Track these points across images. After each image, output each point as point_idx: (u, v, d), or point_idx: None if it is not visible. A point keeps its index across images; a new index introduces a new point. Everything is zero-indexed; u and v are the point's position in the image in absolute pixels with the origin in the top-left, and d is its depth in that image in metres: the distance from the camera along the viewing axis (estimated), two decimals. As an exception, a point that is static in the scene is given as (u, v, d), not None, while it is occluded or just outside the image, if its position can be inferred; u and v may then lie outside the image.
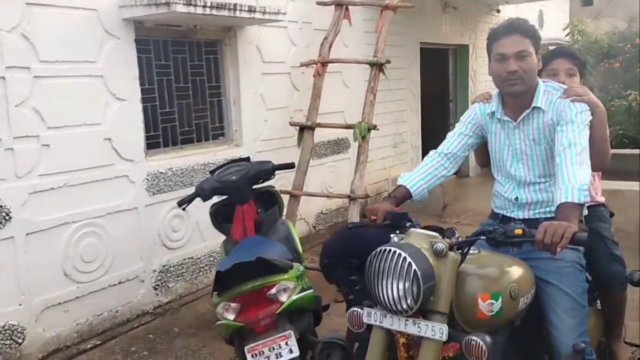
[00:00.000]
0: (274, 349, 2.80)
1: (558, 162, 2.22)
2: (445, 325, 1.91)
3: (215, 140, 5.39)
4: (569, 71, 2.83)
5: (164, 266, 4.72)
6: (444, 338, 1.89)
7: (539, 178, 2.41)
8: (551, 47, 3.79)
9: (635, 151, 9.50)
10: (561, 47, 3.13)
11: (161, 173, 4.68)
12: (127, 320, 4.42)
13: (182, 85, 5.04)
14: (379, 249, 1.96)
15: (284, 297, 2.88)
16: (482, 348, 1.85)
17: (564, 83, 2.75)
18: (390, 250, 1.92)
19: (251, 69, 5.50)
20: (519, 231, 1.98)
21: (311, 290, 3.06)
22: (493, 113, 2.49)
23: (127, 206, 4.42)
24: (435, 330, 1.90)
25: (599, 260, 2.72)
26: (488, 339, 1.87)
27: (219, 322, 2.93)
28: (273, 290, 2.86)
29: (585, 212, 2.44)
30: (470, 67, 10.17)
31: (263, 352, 2.80)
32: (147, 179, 4.56)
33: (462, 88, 10.21)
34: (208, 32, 5.15)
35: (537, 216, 2.43)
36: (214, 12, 4.45)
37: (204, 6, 4.34)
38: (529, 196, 2.44)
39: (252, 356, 2.80)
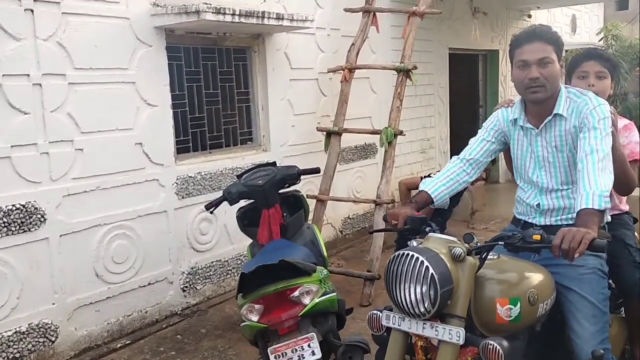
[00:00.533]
0: (296, 350, 2.85)
1: (580, 169, 2.22)
2: (463, 329, 1.92)
3: (244, 145, 5.48)
4: (598, 74, 2.78)
5: (192, 268, 4.82)
6: (461, 342, 1.91)
7: (561, 185, 2.41)
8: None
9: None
10: (592, 48, 3.09)
11: (190, 177, 4.78)
12: (156, 320, 4.52)
13: (212, 91, 5.14)
14: (397, 253, 1.99)
15: (307, 300, 2.92)
16: (499, 352, 1.85)
17: (593, 86, 2.76)
18: (408, 255, 1.95)
19: (279, 75, 5.58)
20: (537, 237, 1.98)
21: (334, 294, 3.10)
22: (515, 120, 2.49)
23: (157, 209, 4.53)
24: (453, 333, 1.92)
25: (623, 268, 2.70)
26: (505, 343, 1.88)
27: (244, 324, 2.99)
28: (296, 293, 2.91)
29: (608, 218, 2.43)
30: (501, 72, 10.09)
31: (286, 354, 2.85)
32: (177, 183, 4.66)
33: (492, 93, 10.13)
34: (237, 39, 5.24)
35: (559, 223, 2.42)
36: (243, 20, 4.54)
37: (233, 14, 4.43)
38: (550, 203, 2.44)
39: (275, 357, 2.85)
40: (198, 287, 4.88)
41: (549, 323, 2.26)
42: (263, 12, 4.73)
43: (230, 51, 5.29)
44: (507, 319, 2.02)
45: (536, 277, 2.16)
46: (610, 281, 2.58)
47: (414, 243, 2.09)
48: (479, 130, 2.66)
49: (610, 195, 2.72)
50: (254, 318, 2.91)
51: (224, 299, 4.99)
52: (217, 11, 4.29)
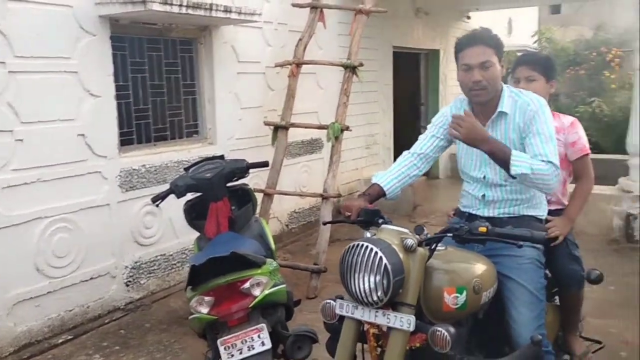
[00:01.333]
0: (246, 341, 2.87)
1: None
2: (413, 317, 2.01)
3: (189, 138, 5.43)
4: (528, 78, 2.95)
5: (136, 262, 4.74)
6: (412, 328, 1.99)
7: (504, 180, 2.52)
8: (519, 54, 3.94)
9: (600, 156, 9.81)
10: (524, 54, 3.25)
11: (134, 170, 4.70)
12: (99, 315, 4.43)
13: (157, 82, 5.07)
14: (352, 244, 2.05)
15: (257, 292, 2.95)
16: (446, 338, 1.95)
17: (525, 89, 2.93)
18: (363, 245, 2.02)
19: (226, 68, 5.55)
20: (483, 229, 2.09)
21: (283, 286, 3.14)
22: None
23: (100, 202, 4.43)
24: (404, 321, 2.00)
25: (559, 260, 2.85)
26: (452, 329, 1.98)
27: (193, 316, 2.98)
28: (247, 285, 2.93)
29: (543, 213, 2.60)
30: (441, 71, 10.37)
31: (236, 345, 2.86)
32: (120, 176, 4.58)
33: (433, 92, 10.40)
34: (184, 30, 5.18)
35: (501, 215, 2.55)
36: (190, 11, 4.50)
37: (180, 5, 4.38)
38: (495, 195, 2.56)
39: (225, 349, 2.86)
40: (142, 282, 4.81)
41: (490, 310, 2.38)
42: (211, 4, 4.70)
43: (177, 42, 5.22)
44: (453, 307, 2.12)
45: (480, 267, 2.28)
46: (547, 271, 2.73)
47: (368, 234, 2.16)
48: (429, 126, 2.75)
49: (553, 192, 2.90)
50: (204, 310, 2.91)
51: (169, 294, 4.95)
52: (164, 1, 4.23)
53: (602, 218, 6.30)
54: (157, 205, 3.73)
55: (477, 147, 2.40)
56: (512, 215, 2.54)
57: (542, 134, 2.39)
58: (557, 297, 3.03)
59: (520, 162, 2.30)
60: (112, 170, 4.50)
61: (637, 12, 6.51)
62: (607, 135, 10.61)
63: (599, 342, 3.30)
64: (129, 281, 4.69)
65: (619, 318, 4.25)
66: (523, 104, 2.47)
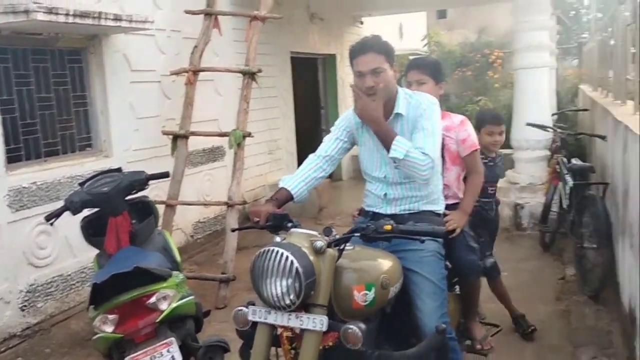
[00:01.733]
0: (155, 357, 2.81)
1: None
2: (326, 317, 2.05)
3: (83, 151, 5.20)
4: (419, 81, 3.11)
5: (31, 285, 4.48)
6: (324, 328, 2.04)
7: (404, 179, 2.64)
8: (411, 57, 4.15)
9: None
10: (414, 59, 3.42)
11: (24, 188, 4.44)
12: (-7, 345, 4.15)
13: (45, 95, 4.82)
14: (262, 250, 2.07)
15: (164, 305, 2.89)
16: (357, 335, 2.01)
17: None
18: (273, 250, 2.03)
19: (119, 78, 5.38)
20: (388, 227, 2.18)
21: (191, 297, 3.10)
22: (363, 122, 2.69)
23: (-13, 224, 4.16)
24: (316, 322, 2.04)
25: (458, 251, 3.00)
26: (363, 326, 2.04)
27: (97, 336, 2.88)
28: (153, 299, 2.86)
29: (441, 207, 2.75)
30: (339, 75, 10.60)
31: (144, 362, 2.79)
32: (9, 195, 4.31)
33: (332, 96, 10.62)
34: (71, 40, 4.97)
35: (403, 212, 2.67)
36: (78, 20, 4.33)
37: (67, 14, 4.20)
38: (396, 193, 2.67)
39: (133, 367, 2.78)
40: (39, 305, 4.54)
41: (396, 304, 2.48)
42: (100, 13, 4.54)
43: (64, 53, 5.00)
44: (363, 303, 2.19)
45: (387, 264, 2.37)
46: (447, 262, 2.88)
47: (278, 239, 2.17)
48: (332, 129, 2.83)
49: (449, 187, 3.07)
50: (109, 329, 2.82)
51: (69, 316, 4.71)
52: (49, 11, 4.04)
53: (493, 209, 6.71)
54: (52, 224, 3.56)
55: (368, 125, 2.58)
56: (412, 212, 2.67)
57: (425, 129, 2.54)
58: (457, 287, 3.20)
59: (398, 147, 2.46)
60: (-1, 189, 4.23)
61: (514, 17, 7.00)
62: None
63: (497, 326, 3.53)
64: (25, 305, 4.42)
65: (514, 301, 4.55)
66: (416, 104, 2.61)
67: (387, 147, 2.49)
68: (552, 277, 5.13)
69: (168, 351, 2.84)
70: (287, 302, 2.01)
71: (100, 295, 2.82)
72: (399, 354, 2.18)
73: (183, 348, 2.98)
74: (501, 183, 7.09)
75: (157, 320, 2.86)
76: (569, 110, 9.27)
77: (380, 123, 2.52)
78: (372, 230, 2.20)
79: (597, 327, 4.04)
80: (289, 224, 2.31)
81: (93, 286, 2.77)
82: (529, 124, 6.03)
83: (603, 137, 5.47)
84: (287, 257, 2.00)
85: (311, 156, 2.80)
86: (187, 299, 3.04)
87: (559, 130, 5.95)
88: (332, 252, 2.15)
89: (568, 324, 4.15)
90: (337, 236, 2.22)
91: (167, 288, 2.93)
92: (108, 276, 2.73)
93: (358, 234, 2.24)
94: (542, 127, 5.98)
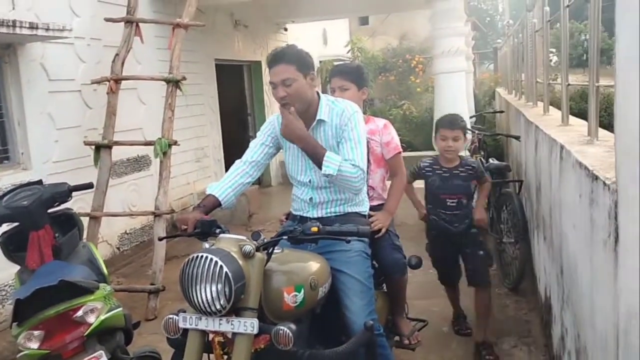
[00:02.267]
0: (84, 371, 2.74)
1: None
2: (256, 320, 2.08)
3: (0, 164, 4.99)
4: (342, 87, 3.19)
5: (-55, 307, 4.25)
6: (255, 331, 2.06)
7: (329, 183, 2.70)
8: (335, 63, 4.26)
9: (413, 153, 10.75)
10: (336, 65, 3.51)
11: None
12: None
13: (-44, 106, 4.59)
14: (191, 256, 2.07)
15: (91, 318, 2.82)
16: (288, 335, 2.04)
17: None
18: (202, 256, 2.04)
19: (36, 88, 5.19)
20: (315, 229, 2.23)
21: (120, 309, 3.04)
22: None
23: None
24: (247, 325, 2.06)
25: (383, 250, 3.11)
26: (293, 327, 2.08)
27: (21, 354, 2.76)
28: (80, 313, 2.79)
29: (365, 208, 2.85)
30: (264, 82, 10.64)
31: (72, 377, 2.72)
32: None
33: (258, 102, 10.64)
34: (-17, 48, 4.76)
35: (329, 215, 2.74)
36: (-10, 28, 4.16)
37: (-22, 22, 4.03)
38: (321, 196, 2.74)
39: (61, 383, 2.70)
40: (-45, 328, 4.32)
41: (327, 304, 2.54)
42: (14, 21, 4.38)
43: (-24, 62, 4.78)
44: (293, 305, 2.23)
45: (315, 265, 2.43)
46: (374, 262, 2.98)
47: (206, 245, 2.18)
48: (257, 134, 2.86)
49: (374, 189, 3.17)
50: (34, 345, 2.72)
51: (-11, 336, 4.49)
52: (-42, 18, 3.86)
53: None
54: (-33, 241, 3.39)
55: (293, 143, 2.60)
56: (338, 214, 2.74)
57: (352, 139, 2.61)
58: (384, 285, 3.30)
59: (330, 163, 2.50)
60: None
61: (432, 24, 7.29)
62: (418, 134, 11.65)
63: (423, 321, 3.67)
64: (-61, 329, 4.19)
65: (440, 297, 4.72)
66: (339, 111, 2.67)
67: (318, 164, 2.53)
68: (475, 272, 5.35)
69: (97, 365, 2.77)
70: (218, 307, 2.03)
71: (24, 311, 2.72)
72: (329, 351, 2.23)
73: (112, 361, 2.92)
74: (416, 183, 7.38)
75: (85, 333, 2.78)
76: (486, 112, 9.72)
77: (308, 141, 2.55)
78: (299, 233, 2.25)
79: (516, 317, 4.27)
80: (217, 230, 2.32)
81: (16, 302, 2.67)
82: (448, 126, 6.28)
83: (517, 137, 5.79)
84: (216, 262, 2.01)
85: (237, 162, 2.83)
86: (115, 310, 2.98)
87: (476, 131, 6.24)
88: (260, 255, 2.18)
89: (491, 316, 4.35)
90: (266, 240, 2.25)
91: (94, 301, 2.86)
92: (32, 291, 2.64)
93: (286, 237, 2.28)
94: (461, 129, 6.25)
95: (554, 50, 7.35)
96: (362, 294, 2.61)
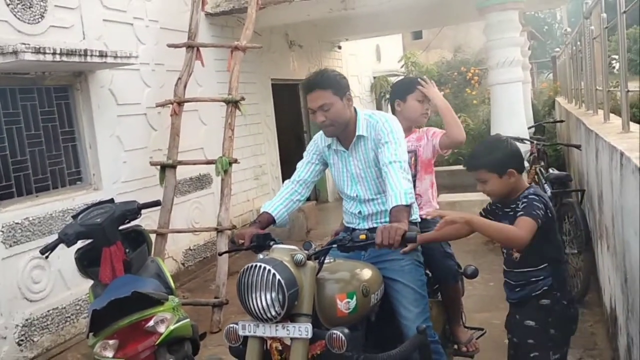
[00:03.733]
0: (156, 379, 2.88)
1: (384, 176, 2.63)
2: (310, 324, 2.17)
3: (73, 185, 5.29)
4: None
5: (27, 320, 4.52)
6: (310, 335, 2.15)
7: (375, 195, 2.80)
8: (390, 78, 4.32)
9: (470, 166, 10.62)
10: (397, 82, 3.65)
11: (17, 224, 4.51)
12: (-9, 381, 4.18)
13: (34, 132, 4.92)
14: (247, 266, 2.18)
15: (162, 328, 2.98)
16: (341, 339, 2.12)
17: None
18: (256, 266, 2.15)
19: (105, 112, 5.50)
20: (363, 236, 2.32)
21: (188, 320, 3.19)
22: (329, 145, 2.87)
23: (-18, 261, 4.22)
24: (302, 330, 2.15)
25: (435, 258, 3.14)
26: (346, 331, 2.16)
27: (97, 363, 2.95)
28: (151, 323, 2.95)
29: (418, 218, 2.89)
30: (320, 99, 10.77)
31: (145, 384, 2.87)
32: (2, 231, 4.38)
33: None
34: (57, 77, 5.09)
35: (378, 225, 2.79)
36: (65, 58, 4.45)
37: (54, 53, 4.33)
38: (369, 209, 2.82)
39: (135, 390, 2.86)
40: (35, 339, 4.58)
41: (381, 312, 2.60)
42: (85, 50, 4.67)
43: (51, 90, 5.11)
44: (346, 311, 2.31)
45: (366, 273, 2.51)
46: (427, 271, 3.01)
47: (261, 256, 2.30)
48: (304, 154, 3.00)
49: (421, 196, 3.21)
50: (109, 354, 2.90)
51: (65, 348, 4.75)
52: (37, 51, 4.17)
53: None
54: (47, 257, 3.63)
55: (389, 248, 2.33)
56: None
57: (389, 142, 2.66)
58: (439, 294, 3.31)
59: (402, 198, 2.48)
60: (-8, 226, 4.31)
61: (486, 35, 7.25)
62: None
63: (481, 329, 3.64)
64: (22, 340, 4.46)
65: (501, 310, 4.64)
66: (374, 123, 2.75)
67: (409, 210, 2.54)
68: (537, 285, 5.25)
69: (168, 373, 2.91)
70: (273, 313, 2.12)
71: (100, 322, 2.91)
72: (382, 355, 2.29)
73: (181, 370, 3.06)
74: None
75: (156, 342, 2.94)
76: (546, 122, 9.52)
77: (403, 222, 2.41)
78: (348, 241, 2.33)
79: (581, 330, 4.15)
80: (272, 243, 2.44)
81: (92, 313, 2.85)
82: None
83: (578, 147, 5.67)
84: (269, 271, 2.12)
85: (287, 182, 2.98)
86: (184, 321, 3.13)
87: (535, 142, 6.14)
88: (312, 264, 2.28)
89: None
90: (317, 249, 2.34)
91: (164, 311, 3.02)
92: (107, 302, 2.82)
93: (335, 245, 2.36)
94: (519, 140, 6.16)
95: (616, 57, 7.16)
96: (417, 302, 2.67)
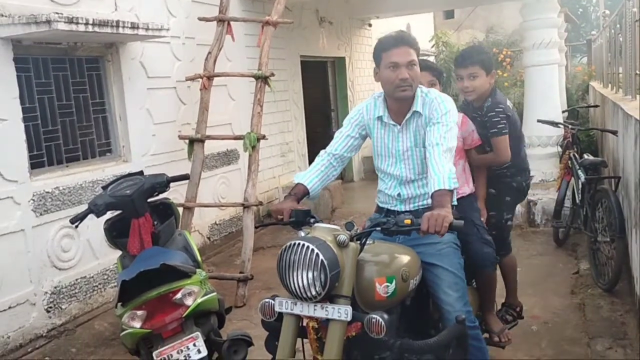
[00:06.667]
0: (182, 351, 2.90)
1: (428, 157, 2.54)
2: (350, 307, 2.13)
3: (103, 157, 5.33)
4: (430, 82, 3.19)
5: (55, 287, 4.60)
6: (349, 318, 2.11)
7: (418, 175, 2.70)
8: (420, 58, 4.23)
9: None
10: (422, 60, 3.54)
11: (47, 193, 4.57)
12: (20, 345, 4.25)
13: (65, 102, 4.95)
14: (288, 243, 2.15)
15: (189, 301, 2.98)
16: (381, 324, 2.09)
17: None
18: (299, 244, 2.12)
19: (136, 85, 5.50)
20: (408, 221, 2.24)
21: (215, 293, 3.19)
22: (380, 117, 2.74)
23: (13, 228, 4.28)
24: (341, 312, 2.12)
25: (472, 244, 3.07)
26: (386, 316, 2.11)
27: (125, 332, 2.97)
28: (179, 295, 2.96)
29: (455, 201, 2.82)
30: (348, 77, 10.70)
31: (172, 356, 2.89)
32: (33, 200, 4.44)
33: (342, 98, 10.71)
34: (89, 48, 5.10)
35: (417, 208, 2.73)
36: (97, 29, 4.44)
37: (86, 24, 4.31)
38: (409, 192, 2.73)
39: (161, 360, 2.88)
40: (63, 307, 4.66)
41: (416, 297, 2.56)
42: (117, 22, 4.65)
43: (83, 61, 5.12)
44: (384, 295, 2.27)
45: (406, 257, 2.45)
46: (463, 256, 2.95)
47: (302, 233, 2.26)
48: (344, 122, 2.87)
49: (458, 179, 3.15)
50: (137, 324, 2.91)
51: (93, 316, 4.82)
52: (70, 20, 4.16)
53: (506, 206, 6.76)
54: (76, 227, 3.66)
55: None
56: (427, 207, 2.67)
57: (440, 122, 2.58)
58: (473, 281, 3.26)
59: (445, 181, 2.40)
60: (24, 194, 4.36)
61: (523, 15, 7.06)
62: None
63: (515, 319, 3.60)
64: (50, 307, 4.54)
65: (528, 296, 4.60)
66: (430, 101, 2.65)
67: (452, 195, 2.45)
68: (566, 272, 5.18)
69: (194, 345, 2.93)
70: (313, 293, 2.09)
71: (128, 292, 2.92)
72: (420, 342, 2.24)
73: (207, 343, 3.07)
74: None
75: (184, 315, 2.95)
76: (580, 107, 9.29)
77: (447, 207, 2.32)
78: (393, 224, 2.26)
79: (611, 319, 4.09)
80: (312, 220, 2.39)
81: (121, 283, 2.87)
82: (540, 121, 6.09)
83: (614, 132, 5.52)
84: (312, 250, 2.08)
85: (322, 153, 2.85)
86: (211, 295, 3.14)
87: (569, 126, 5.99)
88: (354, 245, 2.23)
89: (583, 317, 4.20)
90: (359, 230, 2.30)
91: (192, 284, 3.03)
92: (136, 273, 2.83)
93: (379, 228, 2.30)
94: (553, 124, 6.03)
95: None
96: (456, 286, 2.60)
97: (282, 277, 2.15)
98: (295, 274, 2.10)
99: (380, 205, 2.87)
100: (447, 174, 2.42)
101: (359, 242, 2.27)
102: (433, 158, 2.50)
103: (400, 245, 2.56)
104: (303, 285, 2.10)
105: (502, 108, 3.29)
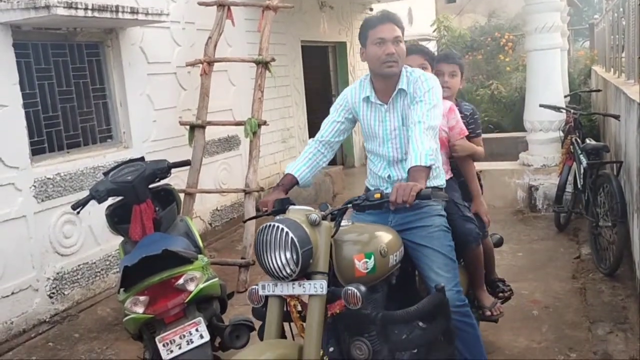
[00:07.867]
0: (184, 336, 2.92)
1: (410, 135, 2.56)
2: (324, 281, 2.18)
3: (103, 143, 5.32)
4: (421, 66, 3.14)
5: (58, 273, 4.62)
6: (324, 292, 2.17)
7: (405, 155, 2.68)
8: (420, 42, 4.22)
9: (499, 135, 10.44)
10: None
11: (49, 179, 4.57)
12: (24, 330, 4.29)
13: (65, 88, 4.93)
14: (263, 226, 2.20)
15: (191, 287, 2.99)
16: (356, 295, 2.15)
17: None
18: (272, 225, 2.17)
19: (136, 70, 5.48)
20: (377, 195, 2.30)
21: (217, 279, 3.20)
22: (367, 98, 2.74)
23: (15, 215, 4.29)
24: (317, 286, 2.17)
25: (455, 222, 3.04)
26: (362, 288, 2.17)
27: (127, 317, 2.99)
28: (181, 281, 2.97)
29: (442, 182, 2.84)
30: (349, 62, 10.65)
31: (174, 341, 2.91)
32: (35, 186, 4.44)
33: (343, 83, 10.66)
34: (89, 34, 5.07)
35: None
36: (96, 14, 4.42)
37: (86, 9, 4.29)
38: (399, 173, 2.74)
39: (164, 345, 2.90)
40: (66, 292, 4.68)
41: (402, 276, 2.61)
42: (117, 7, 4.63)
43: (82, 46, 5.10)
44: (364, 271, 2.32)
45: (385, 235, 2.50)
46: None
47: (278, 218, 2.30)
48: (331, 109, 2.89)
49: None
50: (140, 310, 2.93)
51: (95, 302, 4.85)
52: (69, 6, 4.13)
53: (507, 191, 6.77)
54: (78, 213, 3.67)
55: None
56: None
57: (423, 101, 2.59)
58: (462, 260, 3.26)
59: (422, 158, 2.44)
60: (25, 180, 4.36)
61: (525, 0, 7.00)
62: (506, 115, 11.26)
63: (505, 292, 3.60)
64: (53, 293, 4.56)
65: (529, 281, 4.63)
66: (414, 80, 2.66)
67: (428, 172, 2.49)
68: (568, 257, 5.19)
69: (197, 330, 2.95)
70: (288, 271, 2.14)
71: (130, 278, 2.93)
72: (401, 312, 2.29)
73: (209, 328, 3.08)
74: (514, 165, 7.18)
75: (186, 300, 2.96)
76: (582, 91, 9.24)
77: (420, 182, 2.36)
78: (362, 200, 2.32)
79: (612, 303, 4.10)
80: (290, 206, 2.43)
81: (124, 269, 2.88)
82: (542, 106, 6.06)
83: (617, 117, 5.50)
84: (282, 229, 2.14)
85: (310, 141, 2.91)
86: (213, 280, 3.15)
87: (572, 111, 5.97)
88: (327, 223, 2.27)
89: (584, 301, 4.22)
90: (332, 209, 2.33)
91: (194, 270, 3.04)
92: (138, 259, 2.84)
93: (350, 205, 2.35)
94: (555, 108, 6.00)
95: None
96: (447, 267, 2.64)
97: (259, 259, 2.20)
98: (270, 254, 2.15)
99: (370, 187, 2.89)
100: (425, 150, 2.45)
101: (334, 222, 2.31)
102: (414, 135, 2.53)
103: (380, 225, 2.61)
104: (278, 265, 2.14)
105: (469, 113, 3.48)
